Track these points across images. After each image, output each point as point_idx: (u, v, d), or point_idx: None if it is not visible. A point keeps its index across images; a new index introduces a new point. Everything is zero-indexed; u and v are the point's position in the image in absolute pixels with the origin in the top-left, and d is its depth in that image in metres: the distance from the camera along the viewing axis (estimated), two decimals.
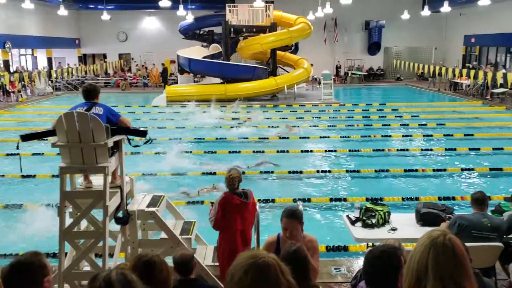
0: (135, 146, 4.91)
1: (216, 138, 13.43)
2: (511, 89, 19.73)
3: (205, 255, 5.31)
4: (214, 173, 9.80)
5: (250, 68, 22.71)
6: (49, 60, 29.83)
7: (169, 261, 3.43)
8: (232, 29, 23.04)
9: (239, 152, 11.65)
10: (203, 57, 23.27)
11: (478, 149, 11.68)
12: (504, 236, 4.62)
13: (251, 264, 1.75)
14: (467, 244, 3.76)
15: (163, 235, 4.86)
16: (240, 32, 23.47)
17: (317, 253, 3.72)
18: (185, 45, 26.07)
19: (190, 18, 25.32)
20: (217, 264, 5.01)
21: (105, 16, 26.89)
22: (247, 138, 13.46)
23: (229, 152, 11.62)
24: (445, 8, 22.64)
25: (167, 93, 21.29)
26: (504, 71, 21.44)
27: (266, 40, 22.18)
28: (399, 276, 2.33)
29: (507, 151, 11.67)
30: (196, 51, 24.67)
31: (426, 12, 25.50)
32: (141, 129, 4.67)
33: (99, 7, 28.47)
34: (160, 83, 28.12)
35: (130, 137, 4.69)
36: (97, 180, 4.68)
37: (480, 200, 4.68)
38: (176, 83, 25.59)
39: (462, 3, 26.23)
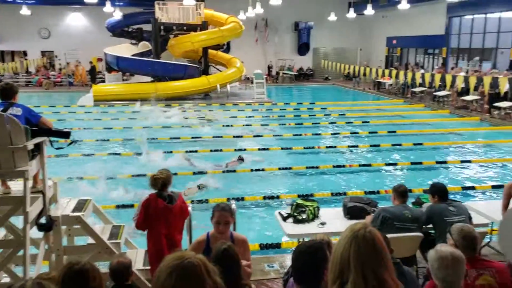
0: (57, 148, 4.68)
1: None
2: (429, 88, 21.13)
3: (136, 259, 5.16)
4: (145, 175, 9.53)
5: (181, 67, 22.39)
6: None
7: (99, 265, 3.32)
8: (162, 27, 22.58)
9: (171, 152, 11.46)
10: (132, 55, 22.63)
11: (400, 144, 12.37)
12: (424, 226, 4.93)
13: (176, 265, 1.73)
14: (391, 235, 3.98)
15: (90, 240, 4.67)
16: (170, 30, 23.04)
17: (248, 252, 3.75)
18: (113, 42, 25.18)
19: (118, 15, 24.47)
20: (149, 268, 4.89)
21: (25, 10, 25.27)
22: (179, 138, 13.29)
23: (164, 152, 11.37)
24: (369, 11, 23.65)
25: (94, 92, 20.45)
26: (422, 71, 22.88)
27: (197, 38, 21.99)
28: (325, 270, 2.39)
29: (426, 146, 12.47)
30: (125, 49, 23.94)
31: (351, 14, 26.51)
32: (64, 130, 4.46)
33: (18, 1, 26.71)
34: (86, 81, 26.95)
35: (52, 138, 4.47)
36: (16, 185, 4.40)
37: (402, 193, 4.94)
38: (104, 81, 24.65)
39: (384, 6, 27.61)
